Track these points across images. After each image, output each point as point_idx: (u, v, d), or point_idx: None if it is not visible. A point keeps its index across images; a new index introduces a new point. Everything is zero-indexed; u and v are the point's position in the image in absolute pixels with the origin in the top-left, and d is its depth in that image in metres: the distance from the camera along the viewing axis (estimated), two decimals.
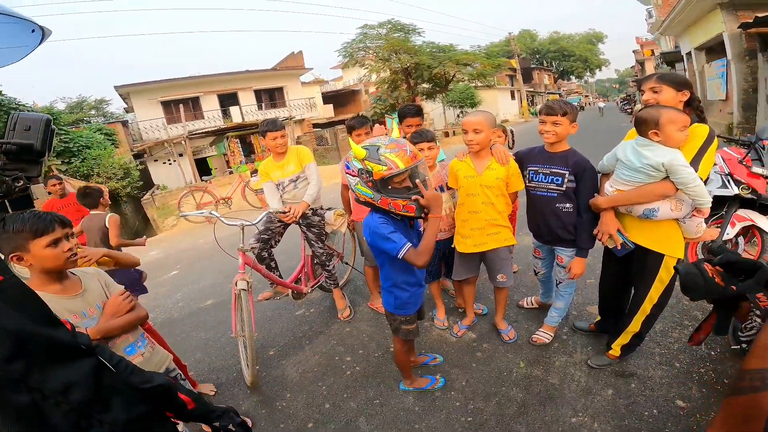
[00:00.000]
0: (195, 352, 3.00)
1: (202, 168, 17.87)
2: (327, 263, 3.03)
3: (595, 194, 2.05)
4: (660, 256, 1.88)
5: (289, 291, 2.99)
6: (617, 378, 2.11)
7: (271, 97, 20.74)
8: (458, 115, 25.76)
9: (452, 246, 2.48)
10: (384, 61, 17.89)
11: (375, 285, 3.12)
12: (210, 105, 18.99)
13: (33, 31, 0.55)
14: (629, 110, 23.15)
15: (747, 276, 0.84)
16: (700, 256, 2.89)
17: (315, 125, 21.45)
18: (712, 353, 2.18)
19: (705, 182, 1.75)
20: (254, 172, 9.43)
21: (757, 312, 0.82)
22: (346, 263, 3.65)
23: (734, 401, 0.54)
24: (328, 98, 24.78)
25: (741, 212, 2.85)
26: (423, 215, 1.65)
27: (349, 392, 2.27)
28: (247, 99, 19.72)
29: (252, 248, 2.83)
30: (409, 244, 1.60)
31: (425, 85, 19.42)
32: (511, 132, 3.75)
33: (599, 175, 2.11)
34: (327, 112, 23.28)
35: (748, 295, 0.83)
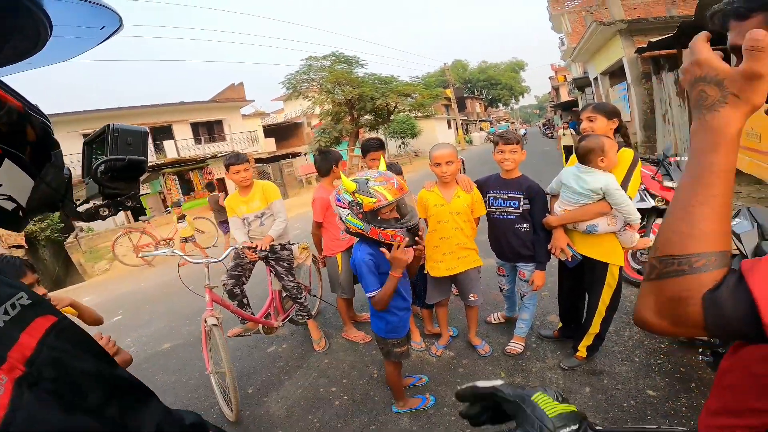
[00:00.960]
0: (164, 396, 2.72)
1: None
2: (299, 296, 3.01)
3: (547, 214, 2.32)
4: (605, 265, 2.17)
5: (260, 326, 2.90)
6: (590, 376, 2.32)
7: (209, 130, 19.84)
8: (399, 146, 26.51)
9: (424, 272, 2.60)
10: (328, 93, 18.16)
11: (348, 316, 3.13)
12: None
13: (103, 27, 0.47)
14: (550, 135, 25.65)
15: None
16: (630, 262, 3.30)
17: (257, 160, 20.96)
18: (662, 346, 2.48)
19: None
20: (181, 217, 7.77)
21: None
22: (314, 296, 3.61)
23: (664, 285, 0.54)
24: (269, 131, 24.38)
25: (659, 221, 3.32)
26: (414, 245, 1.77)
27: (342, 421, 2.25)
28: (182, 132, 18.54)
29: (224, 285, 2.78)
30: (377, 291, 1.79)
31: (368, 117, 19.99)
32: (462, 161, 4.06)
33: (549, 197, 2.39)
34: (269, 146, 22.71)
35: None
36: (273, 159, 21.33)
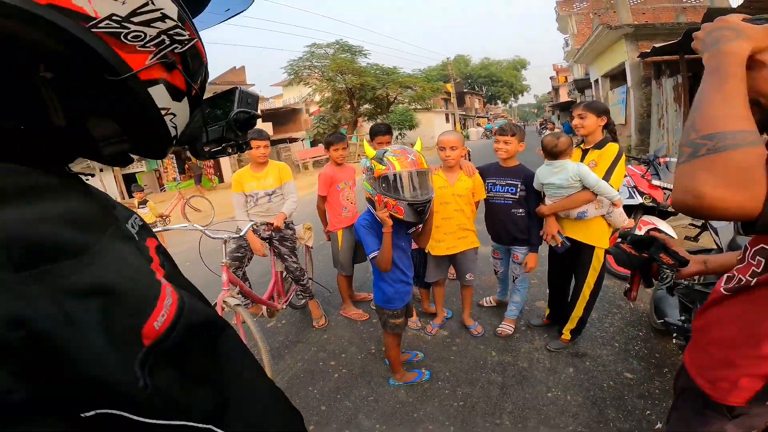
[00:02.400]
0: None
1: (131, 184, 16.46)
2: (301, 277, 3.09)
3: (540, 203, 2.49)
4: (591, 248, 2.35)
5: (264, 309, 2.99)
6: (574, 358, 2.50)
7: None
8: (397, 137, 26.53)
9: (426, 252, 2.75)
10: (329, 81, 18.12)
11: (347, 293, 3.27)
12: None
13: (227, 9, 0.57)
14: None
15: (647, 247, 1.24)
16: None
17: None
18: (640, 333, 2.67)
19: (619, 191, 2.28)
20: (143, 203, 7.20)
21: (664, 266, 1.20)
22: (310, 278, 3.68)
23: (724, 157, 0.58)
24: (267, 116, 24.27)
25: (645, 218, 3.50)
26: (418, 223, 1.87)
27: (342, 393, 2.38)
28: None
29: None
30: (377, 252, 1.89)
31: (367, 106, 19.99)
32: (468, 151, 4.24)
33: None
34: (266, 130, 22.58)
35: (655, 258, 1.21)
36: (270, 143, 21.25)
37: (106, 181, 15.09)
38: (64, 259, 0.30)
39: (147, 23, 0.37)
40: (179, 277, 0.46)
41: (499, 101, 56.27)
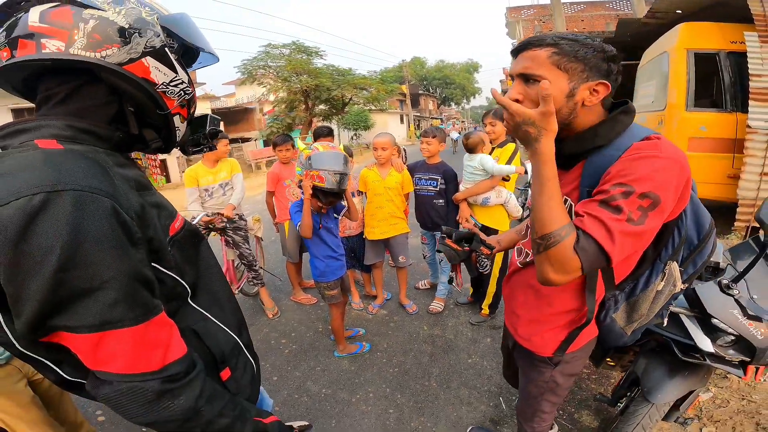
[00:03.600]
0: None
1: None
2: (254, 264, 3.32)
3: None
4: (495, 232, 2.79)
5: None
6: (492, 330, 2.95)
7: None
8: (352, 137, 26.70)
9: (363, 238, 3.13)
10: (284, 81, 17.98)
11: (296, 280, 3.55)
12: None
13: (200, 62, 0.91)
14: None
15: (469, 241, 1.47)
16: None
17: None
18: None
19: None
20: None
21: (483, 257, 1.51)
22: (261, 267, 3.89)
23: (552, 253, 0.82)
24: (218, 114, 23.49)
25: None
26: (335, 189, 2.20)
27: (292, 365, 2.66)
28: None
29: None
30: (299, 222, 2.26)
31: (322, 107, 20.04)
32: (404, 150, 4.68)
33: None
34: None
35: (475, 250, 1.45)
36: None
37: None
38: (146, 190, 0.71)
39: (175, 85, 0.74)
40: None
41: (452, 103, 57.74)
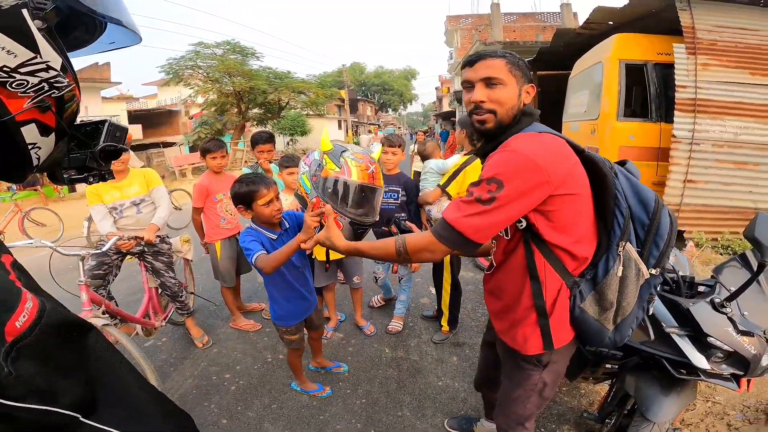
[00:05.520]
0: None
1: None
2: (179, 294, 2.82)
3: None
4: None
5: (138, 328, 2.66)
6: (456, 348, 2.78)
7: None
8: (288, 143, 25.81)
9: (312, 258, 2.72)
10: (214, 83, 16.79)
11: (235, 306, 3.11)
12: None
13: (112, 42, 0.61)
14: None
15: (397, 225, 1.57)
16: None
17: None
18: None
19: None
20: None
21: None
22: (191, 293, 3.37)
23: (412, 252, 1.12)
24: (136, 117, 21.39)
25: None
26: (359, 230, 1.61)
27: (242, 405, 2.27)
28: None
29: (90, 284, 2.42)
30: (261, 252, 1.63)
31: (257, 111, 19.09)
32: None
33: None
34: (135, 132, 19.96)
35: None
36: (140, 147, 18.77)
37: None
38: None
39: (32, 73, 0.45)
40: (38, 288, 0.50)
41: (389, 109, 58.89)
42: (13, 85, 0.44)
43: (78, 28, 0.53)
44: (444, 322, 2.82)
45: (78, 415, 0.44)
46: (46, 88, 0.47)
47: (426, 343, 2.85)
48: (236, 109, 18.21)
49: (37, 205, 8.61)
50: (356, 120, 41.10)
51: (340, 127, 35.53)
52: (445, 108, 34.01)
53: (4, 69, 0.42)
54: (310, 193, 1.55)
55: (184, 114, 23.00)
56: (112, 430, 0.47)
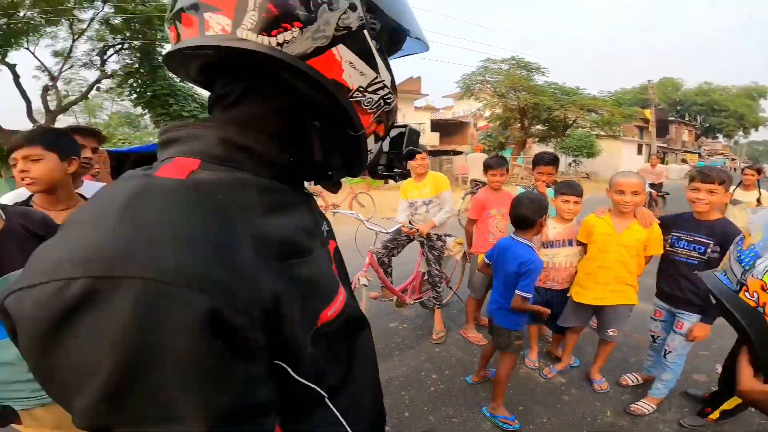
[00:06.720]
0: None
1: None
2: (438, 284, 3.22)
3: None
4: None
5: (395, 297, 3.29)
6: None
7: None
8: (570, 164, 23.70)
9: (567, 296, 2.54)
10: (501, 97, 17.73)
11: (473, 315, 3.29)
12: None
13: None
14: None
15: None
16: None
17: None
18: None
19: None
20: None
21: None
22: (450, 288, 3.77)
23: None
24: (435, 126, 25.29)
25: None
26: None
27: (430, 406, 2.39)
28: None
29: (377, 252, 3.14)
30: (530, 295, 1.98)
31: (540, 127, 18.76)
32: (650, 193, 3.71)
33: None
34: (432, 140, 23.56)
35: None
36: (435, 153, 22.16)
37: None
38: (299, 257, 0.45)
39: (375, 91, 0.50)
40: (345, 274, 0.61)
41: (719, 135, 44.93)
42: (365, 104, 0.49)
43: (389, 43, 0.56)
44: (719, 409, 2.05)
45: (327, 395, 0.48)
46: (382, 104, 0.52)
47: (667, 422, 2.18)
48: (519, 125, 18.48)
49: (363, 189, 11.75)
50: (665, 145, 33.43)
51: (640, 152, 29.78)
52: None
53: (359, 89, 0.47)
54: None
55: (473, 126, 25.37)
56: (338, 415, 0.50)
